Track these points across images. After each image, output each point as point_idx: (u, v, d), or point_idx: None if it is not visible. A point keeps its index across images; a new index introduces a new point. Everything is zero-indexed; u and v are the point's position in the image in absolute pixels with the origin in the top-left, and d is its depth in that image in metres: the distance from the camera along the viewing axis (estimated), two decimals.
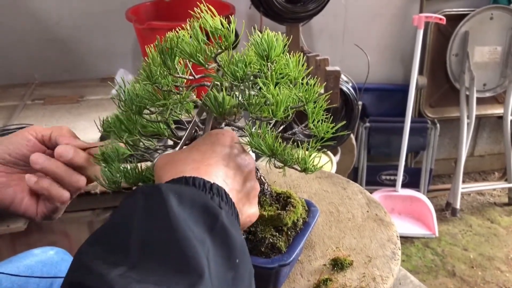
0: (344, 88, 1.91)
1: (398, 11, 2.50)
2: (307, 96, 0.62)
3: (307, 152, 0.62)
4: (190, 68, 0.64)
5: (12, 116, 1.83)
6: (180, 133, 0.73)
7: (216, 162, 0.57)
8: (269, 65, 0.61)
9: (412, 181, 2.72)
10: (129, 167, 0.65)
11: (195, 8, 0.60)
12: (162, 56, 0.61)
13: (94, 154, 0.67)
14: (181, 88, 0.64)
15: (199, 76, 0.64)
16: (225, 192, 0.53)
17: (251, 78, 0.61)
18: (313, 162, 0.62)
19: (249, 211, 0.60)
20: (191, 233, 0.45)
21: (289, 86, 0.63)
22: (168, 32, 0.62)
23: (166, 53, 0.60)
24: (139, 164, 0.67)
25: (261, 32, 0.62)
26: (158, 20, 1.96)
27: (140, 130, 0.69)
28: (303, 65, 0.64)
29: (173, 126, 0.71)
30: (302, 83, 0.64)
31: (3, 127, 1.73)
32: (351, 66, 2.29)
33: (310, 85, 0.63)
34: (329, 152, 1.87)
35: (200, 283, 0.41)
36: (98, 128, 0.70)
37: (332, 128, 0.64)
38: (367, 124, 2.57)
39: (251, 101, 0.60)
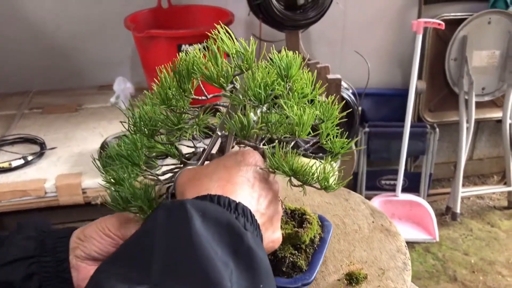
0: (345, 95, 1.90)
1: (397, 16, 2.50)
2: (326, 114, 0.62)
3: (327, 169, 0.61)
4: (203, 88, 0.63)
5: (11, 126, 1.81)
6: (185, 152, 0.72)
7: (242, 182, 0.57)
8: (288, 85, 0.60)
9: (411, 185, 2.72)
10: (137, 188, 0.64)
11: (212, 30, 0.58)
12: (177, 78, 0.60)
13: (103, 179, 0.66)
14: (195, 109, 0.64)
15: (211, 95, 0.63)
16: (251, 213, 0.52)
17: (272, 99, 0.61)
18: (335, 179, 0.61)
19: (273, 236, 0.59)
20: (215, 254, 0.44)
21: (307, 104, 0.63)
22: (183, 54, 0.60)
23: (182, 76, 0.59)
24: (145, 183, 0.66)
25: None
26: (156, 27, 1.95)
27: (145, 152, 0.68)
28: (316, 82, 0.63)
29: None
30: (319, 101, 0.63)
31: (1, 137, 1.71)
32: (350, 72, 2.28)
33: (328, 103, 0.62)
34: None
35: None
36: (97, 165, 0.69)
37: (347, 144, 0.63)
38: (367, 129, 2.56)
39: (272, 122, 0.60)
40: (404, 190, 2.62)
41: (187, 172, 0.61)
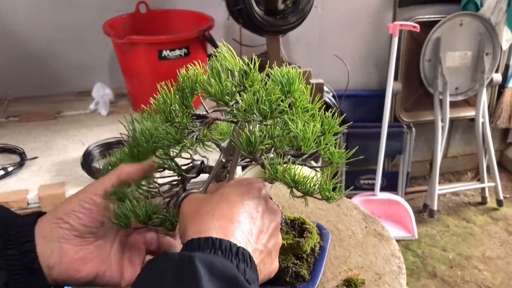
0: (327, 99, 1.93)
1: (372, 19, 2.54)
2: (327, 127, 0.63)
3: (328, 180, 0.62)
4: (204, 104, 0.64)
5: None
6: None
7: (244, 219, 0.57)
8: (291, 100, 0.61)
9: (389, 184, 2.77)
10: (138, 206, 0.63)
11: (214, 49, 0.59)
12: (180, 95, 0.60)
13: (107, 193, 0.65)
14: (196, 124, 0.64)
15: (211, 110, 0.63)
16: (250, 256, 0.53)
17: (277, 115, 0.62)
18: (338, 190, 0.63)
19: (270, 268, 0.60)
20: None
21: (308, 118, 0.64)
22: (185, 70, 0.60)
23: (185, 92, 0.59)
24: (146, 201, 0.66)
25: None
26: (135, 32, 1.93)
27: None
28: (315, 95, 0.64)
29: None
30: (319, 114, 0.64)
31: None
32: (328, 74, 2.31)
33: (328, 117, 0.64)
34: (312, 162, 1.88)
35: None
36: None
37: (346, 154, 0.65)
38: (345, 130, 2.60)
39: (276, 136, 0.61)
40: (383, 189, 2.66)
41: (189, 202, 0.61)
